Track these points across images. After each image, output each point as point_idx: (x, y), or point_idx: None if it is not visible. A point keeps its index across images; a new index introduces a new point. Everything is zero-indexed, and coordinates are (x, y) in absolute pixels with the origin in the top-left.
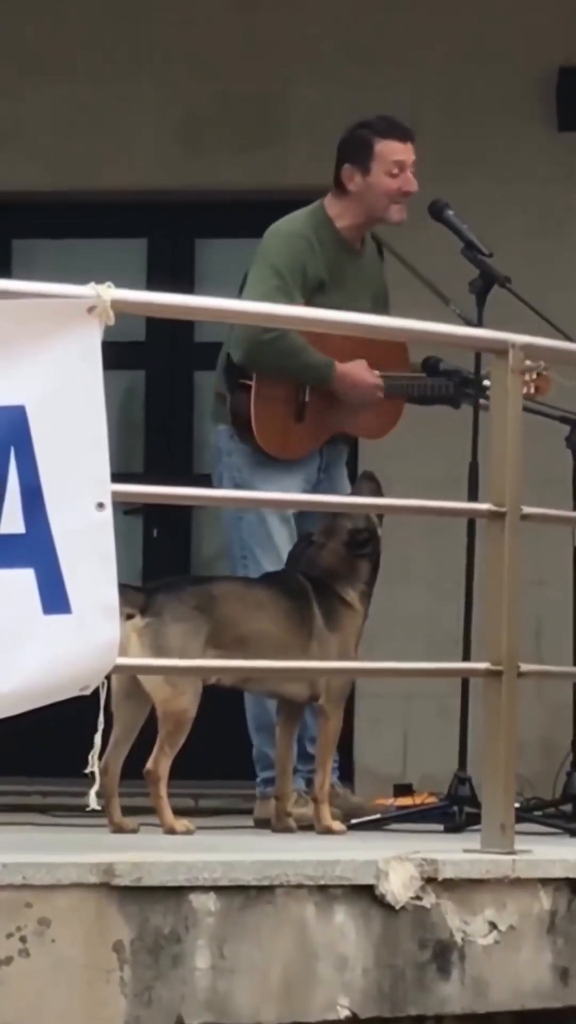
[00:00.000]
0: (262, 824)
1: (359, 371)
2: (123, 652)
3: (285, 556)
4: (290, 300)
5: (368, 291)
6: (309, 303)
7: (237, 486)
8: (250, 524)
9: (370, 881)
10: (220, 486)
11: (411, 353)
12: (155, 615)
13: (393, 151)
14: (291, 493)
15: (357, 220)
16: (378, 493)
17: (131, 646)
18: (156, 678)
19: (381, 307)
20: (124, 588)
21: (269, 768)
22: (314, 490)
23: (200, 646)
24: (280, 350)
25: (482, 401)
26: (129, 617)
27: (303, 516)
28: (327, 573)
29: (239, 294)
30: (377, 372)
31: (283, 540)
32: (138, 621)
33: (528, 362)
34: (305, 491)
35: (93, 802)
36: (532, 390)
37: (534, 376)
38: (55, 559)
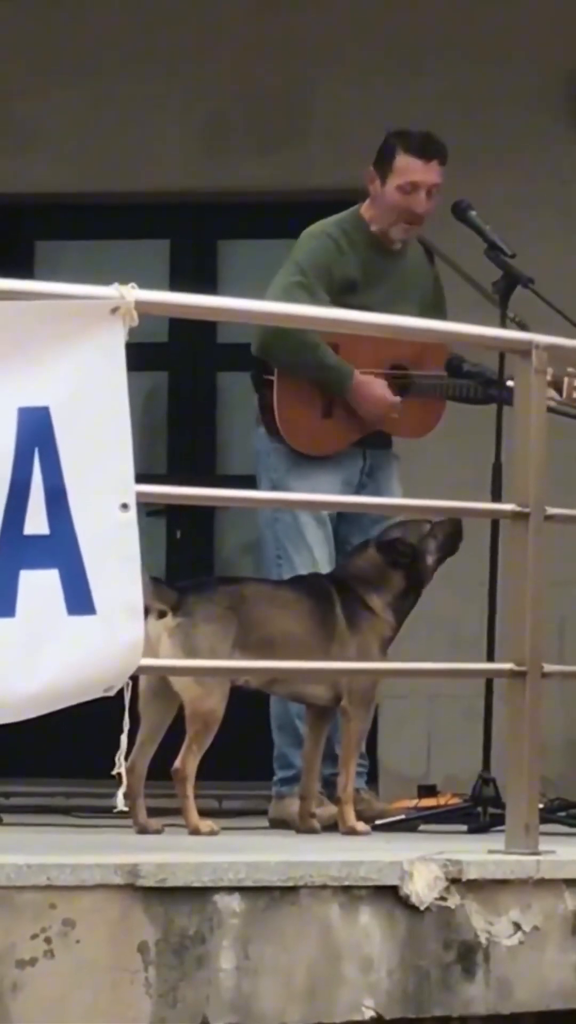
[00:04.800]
0: (277, 824)
1: (376, 387)
2: (154, 650)
3: (319, 557)
4: (309, 295)
5: (413, 293)
6: (341, 303)
7: (274, 486)
8: (285, 525)
9: (395, 882)
10: (260, 488)
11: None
12: (186, 615)
13: (411, 169)
14: (328, 493)
15: (383, 224)
16: (452, 528)
17: (162, 645)
18: (186, 678)
19: (431, 310)
20: (158, 585)
21: (286, 768)
22: (356, 493)
23: (229, 647)
24: (292, 343)
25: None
26: (161, 615)
27: (343, 519)
28: (354, 578)
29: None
30: (416, 372)
31: (318, 541)
32: (170, 620)
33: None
34: (344, 492)
35: (120, 803)
36: None
37: None
38: (79, 560)
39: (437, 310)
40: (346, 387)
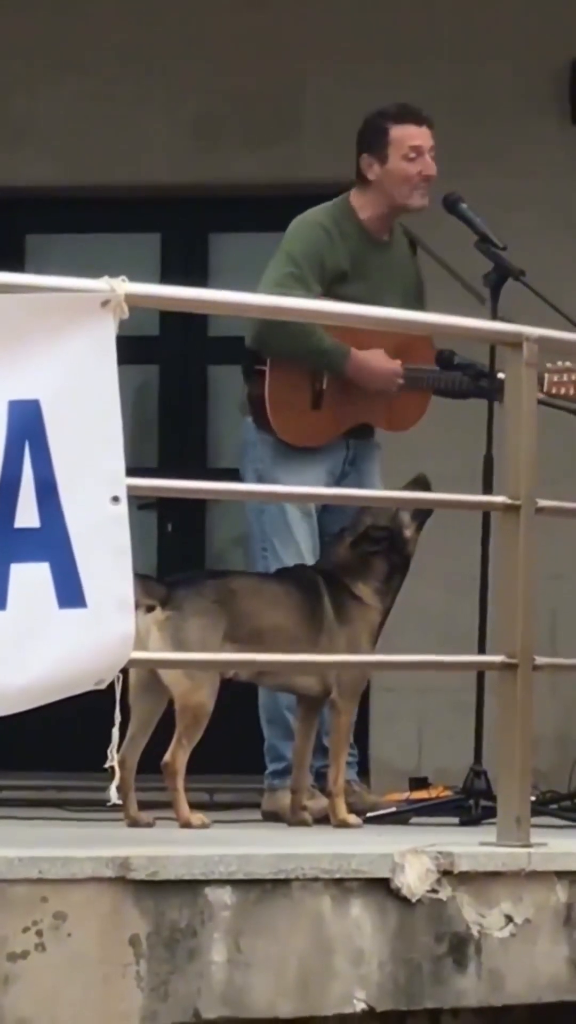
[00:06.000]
0: (270, 817)
1: (377, 359)
2: (143, 644)
3: (305, 549)
4: (304, 287)
5: (397, 285)
6: (330, 293)
7: (260, 478)
8: (272, 517)
9: (386, 874)
10: (245, 479)
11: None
12: (176, 608)
13: (409, 136)
14: (314, 485)
15: (380, 210)
16: (419, 489)
17: (151, 639)
18: (175, 671)
19: (413, 303)
20: (146, 580)
21: (278, 760)
22: (339, 483)
23: (218, 640)
24: (289, 332)
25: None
26: (150, 609)
27: (327, 509)
28: (340, 568)
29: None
30: (399, 363)
31: (304, 533)
32: (159, 614)
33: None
34: (328, 483)
35: (114, 796)
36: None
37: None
38: (70, 553)
39: (419, 302)
40: (344, 365)
